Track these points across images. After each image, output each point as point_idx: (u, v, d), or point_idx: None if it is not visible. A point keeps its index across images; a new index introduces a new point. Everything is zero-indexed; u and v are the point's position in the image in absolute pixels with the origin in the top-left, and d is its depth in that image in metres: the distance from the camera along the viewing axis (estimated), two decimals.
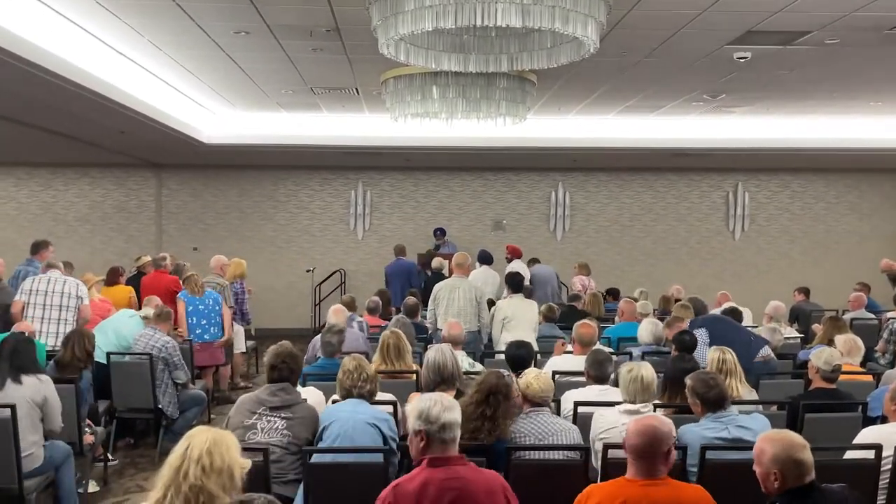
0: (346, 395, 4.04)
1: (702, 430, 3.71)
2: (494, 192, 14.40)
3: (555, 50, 5.81)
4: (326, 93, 9.40)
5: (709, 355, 4.94)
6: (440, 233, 13.22)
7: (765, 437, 2.83)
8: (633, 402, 3.99)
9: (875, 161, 13.02)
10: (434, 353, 4.32)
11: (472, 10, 4.69)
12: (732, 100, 9.66)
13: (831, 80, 8.55)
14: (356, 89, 9.18)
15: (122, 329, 6.77)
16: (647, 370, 4.09)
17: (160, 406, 6.39)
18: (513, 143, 11.35)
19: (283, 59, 7.66)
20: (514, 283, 7.55)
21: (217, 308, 7.93)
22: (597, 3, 4.96)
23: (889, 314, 8.84)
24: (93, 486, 5.63)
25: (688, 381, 3.91)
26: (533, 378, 3.90)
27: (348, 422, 3.82)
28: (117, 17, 6.34)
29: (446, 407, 2.90)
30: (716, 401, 3.79)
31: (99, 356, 6.24)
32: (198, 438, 2.57)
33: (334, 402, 4.24)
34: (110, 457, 6.29)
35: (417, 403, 2.93)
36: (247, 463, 2.55)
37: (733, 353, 4.83)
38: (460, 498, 2.80)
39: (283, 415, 3.91)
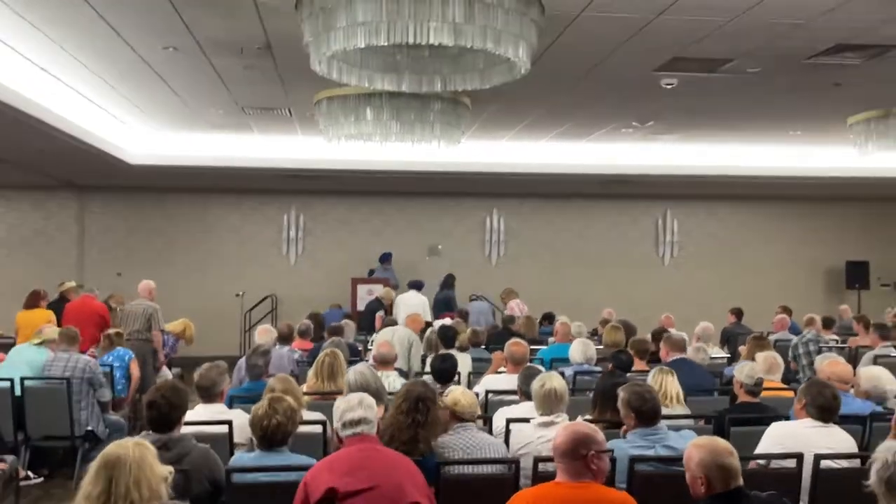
0: (259, 444, 3.65)
1: (629, 448, 3.71)
2: (430, 216, 14.42)
3: (487, 71, 5.87)
4: (258, 113, 9.28)
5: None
6: (386, 257, 13.15)
7: (693, 443, 2.91)
8: (548, 414, 3.99)
9: (795, 189, 13.56)
10: (353, 374, 4.24)
11: (404, 28, 4.70)
12: (661, 127, 9.94)
13: (753, 109, 8.88)
14: (289, 110, 9.09)
15: (33, 357, 6.46)
16: (558, 381, 4.12)
17: (90, 429, 6.15)
18: (448, 167, 11.41)
19: (214, 78, 7.52)
20: (447, 338, 7.57)
21: (119, 365, 7.17)
22: (528, 25, 5.04)
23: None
24: None
25: (621, 392, 3.88)
26: (461, 394, 3.93)
27: None
28: (37, 29, 6.12)
29: (351, 406, 3.30)
30: (649, 414, 3.80)
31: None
32: (120, 470, 2.42)
33: None
34: (31, 475, 6.02)
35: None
36: (167, 471, 2.44)
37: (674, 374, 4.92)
38: (370, 458, 3.12)
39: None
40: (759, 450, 3.96)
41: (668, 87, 7.65)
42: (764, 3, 5.35)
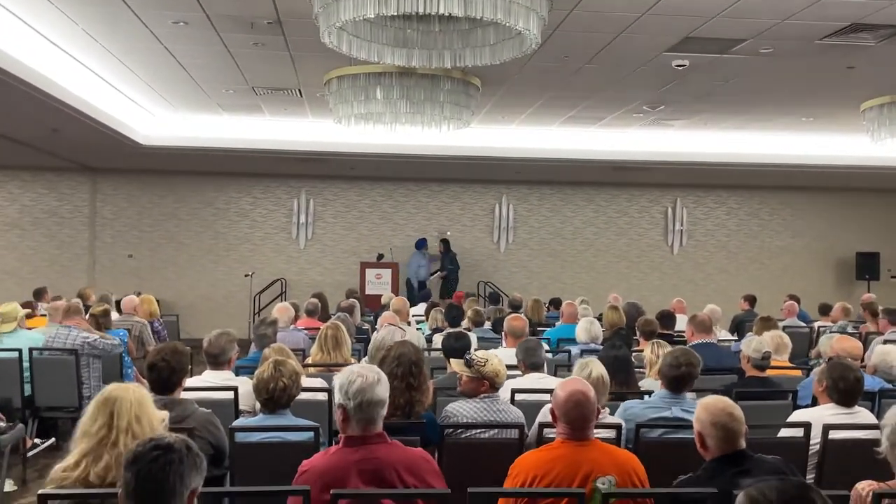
0: (264, 407, 3.72)
1: (644, 409, 3.75)
2: (439, 203, 14.42)
3: (497, 46, 5.85)
4: (269, 94, 9.27)
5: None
6: (422, 243, 13.40)
7: (700, 402, 2.87)
8: None
9: (806, 179, 13.46)
10: (385, 332, 4.23)
11: None
12: (671, 112, 9.87)
13: (765, 94, 8.81)
14: (299, 91, 9.08)
15: (33, 336, 6.45)
16: (601, 368, 3.80)
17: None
18: (457, 151, 11.37)
19: (224, 54, 7.52)
20: (453, 318, 7.55)
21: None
22: None
23: (817, 323, 9.18)
24: (9, 486, 5.35)
25: (668, 357, 3.88)
26: (500, 365, 3.83)
27: None
28: (49, 2, 6.14)
29: (369, 383, 2.69)
30: (677, 380, 3.84)
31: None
32: (121, 405, 2.50)
33: None
34: (38, 441, 6.06)
35: (341, 375, 2.77)
36: (163, 415, 2.48)
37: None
38: (374, 481, 2.63)
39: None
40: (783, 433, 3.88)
41: (680, 68, 7.60)
42: None
